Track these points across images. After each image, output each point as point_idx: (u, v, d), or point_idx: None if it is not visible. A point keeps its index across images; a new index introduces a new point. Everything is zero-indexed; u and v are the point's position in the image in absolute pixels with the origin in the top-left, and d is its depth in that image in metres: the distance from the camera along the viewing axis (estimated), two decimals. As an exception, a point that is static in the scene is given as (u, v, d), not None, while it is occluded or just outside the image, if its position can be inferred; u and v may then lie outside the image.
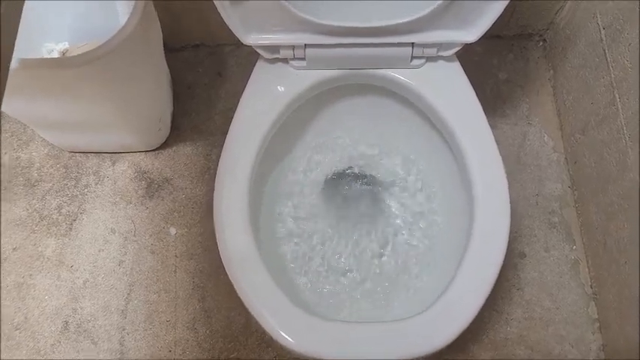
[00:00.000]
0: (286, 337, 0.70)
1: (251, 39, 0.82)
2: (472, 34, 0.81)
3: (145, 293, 1.07)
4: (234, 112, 0.85)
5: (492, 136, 0.82)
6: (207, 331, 1.05)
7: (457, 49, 0.83)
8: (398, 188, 0.99)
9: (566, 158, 1.16)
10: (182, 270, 1.09)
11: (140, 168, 1.17)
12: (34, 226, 1.13)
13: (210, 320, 1.05)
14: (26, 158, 1.18)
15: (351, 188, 1.01)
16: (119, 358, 1.03)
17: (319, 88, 0.88)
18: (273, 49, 0.83)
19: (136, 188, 1.15)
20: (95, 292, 1.08)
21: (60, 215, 1.13)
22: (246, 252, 0.76)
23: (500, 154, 0.81)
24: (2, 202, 1.14)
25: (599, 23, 1.01)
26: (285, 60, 0.85)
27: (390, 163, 1.00)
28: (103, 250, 1.11)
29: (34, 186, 1.16)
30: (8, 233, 1.12)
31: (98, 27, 1.02)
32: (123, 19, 1.01)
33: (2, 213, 1.13)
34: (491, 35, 1.19)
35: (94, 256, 1.10)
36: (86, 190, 1.15)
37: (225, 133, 0.84)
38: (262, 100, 0.85)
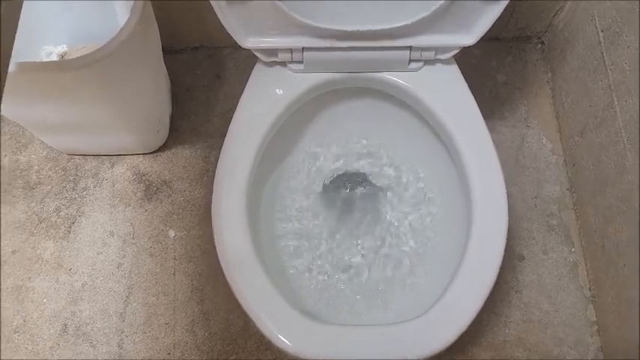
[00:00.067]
0: (284, 340, 0.70)
1: (249, 42, 0.82)
2: (470, 37, 0.81)
3: (143, 296, 1.07)
4: (232, 114, 0.85)
5: (490, 139, 0.82)
6: (206, 334, 1.05)
7: (455, 52, 0.84)
8: (396, 191, 0.99)
9: (564, 161, 1.16)
10: (181, 273, 1.09)
11: (139, 170, 1.17)
12: (32, 229, 1.13)
13: (208, 323, 1.05)
14: (25, 161, 1.18)
15: (350, 191, 1.01)
16: (118, 361, 1.03)
17: (317, 91, 0.88)
18: (271, 52, 0.84)
19: (135, 191, 1.15)
20: (94, 295, 1.07)
21: (59, 218, 1.13)
22: (245, 255, 0.76)
23: (499, 157, 0.81)
24: (1, 205, 1.14)
25: (598, 26, 1.01)
26: (283, 63, 0.86)
27: (388, 165, 1.00)
28: (101, 253, 1.11)
29: (33, 189, 1.16)
30: (7, 236, 1.12)
31: (97, 29, 1.02)
32: (122, 21, 1.01)
33: (2, 215, 1.14)
34: (490, 37, 1.18)
35: (93, 259, 1.10)
36: (85, 192, 1.15)
37: (223, 135, 0.84)
38: (260, 103, 0.85)
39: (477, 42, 0.81)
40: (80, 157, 1.18)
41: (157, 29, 1.00)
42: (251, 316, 0.73)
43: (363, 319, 0.90)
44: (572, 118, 1.13)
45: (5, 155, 1.19)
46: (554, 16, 1.18)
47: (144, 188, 1.15)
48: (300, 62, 0.84)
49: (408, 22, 0.77)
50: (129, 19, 0.85)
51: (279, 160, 0.97)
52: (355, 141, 1.02)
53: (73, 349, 1.04)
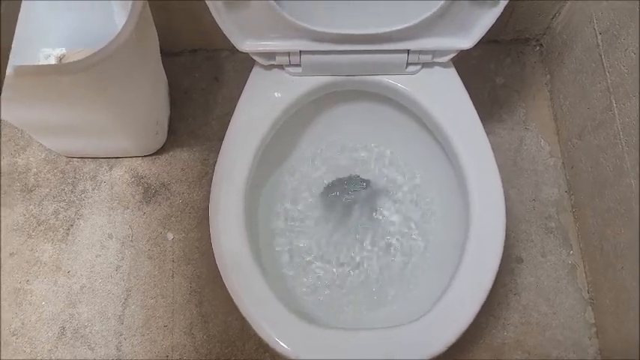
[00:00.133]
0: (282, 344, 0.70)
1: (247, 46, 0.82)
2: (467, 40, 0.81)
3: (142, 298, 1.07)
4: (231, 117, 0.85)
5: (488, 142, 0.82)
6: (205, 336, 1.04)
7: (452, 55, 0.84)
8: (394, 193, 0.99)
9: (563, 163, 1.16)
10: (179, 275, 1.09)
11: (137, 173, 1.17)
12: (31, 232, 1.13)
13: (207, 325, 1.05)
14: (23, 163, 1.18)
15: (348, 193, 1.01)
16: (116, 364, 1.03)
17: (315, 94, 0.88)
18: (269, 55, 0.84)
19: (133, 193, 1.15)
20: (92, 298, 1.07)
21: (57, 220, 1.13)
22: (242, 258, 0.76)
23: (497, 159, 0.82)
24: (0, 208, 1.14)
25: (596, 28, 1.01)
26: (280, 66, 0.86)
27: (386, 168, 1.01)
28: (100, 256, 1.11)
29: (31, 191, 1.16)
30: (5, 238, 1.12)
31: (95, 31, 1.02)
32: (120, 22, 1.01)
33: (1, 218, 1.13)
34: (489, 40, 1.19)
35: (91, 262, 1.10)
36: (83, 195, 1.15)
37: (222, 138, 0.84)
38: (258, 106, 0.86)
39: (476, 44, 0.81)
40: (79, 159, 1.18)
41: (155, 32, 1.00)
42: (249, 320, 0.73)
43: (362, 322, 0.90)
44: (570, 121, 1.13)
45: (3, 157, 1.19)
46: (553, 18, 1.18)
47: (142, 191, 1.15)
48: (298, 65, 0.84)
49: (406, 25, 0.77)
50: (126, 22, 0.85)
51: (277, 163, 0.98)
52: (353, 144, 1.02)
53: (72, 351, 1.04)
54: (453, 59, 0.85)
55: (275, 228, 0.96)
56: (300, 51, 0.82)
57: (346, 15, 0.78)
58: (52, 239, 1.12)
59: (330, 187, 1.01)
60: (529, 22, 1.20)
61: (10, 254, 1.11)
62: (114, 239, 1.12)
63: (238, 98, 0.86)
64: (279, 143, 0.90)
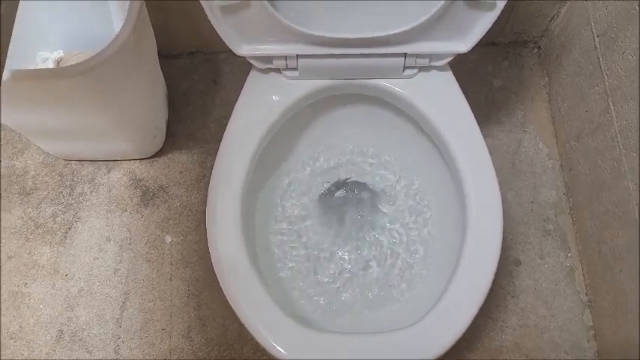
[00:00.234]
0: (279, 349, 0.70)
1: (244, 50, 0.82)
2: (464, 44, 0.81)
3: (140, 302, 1.07)
4: (228, 120, 0.85)
5: (485, 145, 0.82)
6: (203, 340, 1.04)
7: (449, 59, 0.84)
8: (391, 196, 0.99)
9: (561, 165, 1.16)
10: (177, 278, 1.09)
11: (135, 176, 1.17)
12: (28, 235, 1.13)
13: (205, 328, 1.05)
14: (21, 166, 1.18)
15: (346, 196, 1.01)
16: (114, 367, 1.03)
17: (312, 98, 0.88)
18: (266, 59, 0.84)
19: (131, 196, 1.15)
20: (90, 301, 1.07)
21: (55, 223, 1.13)
22: (239, 261, 0.76)
23: (495, 162, 0.82)
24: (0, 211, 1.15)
25: (594, 31, 1.01)
26: (278, 70, 0.86)
27: (383, 171, 1.00)
28: (98, 259, 1.11)
29: (29, 194, 1.16)
30: (3, 241, 1.12)
31: (93, 33, 1.02)
32: (117, 24, 1.01)
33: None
34: (486, 42, 1.19)
35: (89, 265, 1.10)
36: (81, 198, 1.15)
37: (220, 141, 0.84)
38: (256, 110, 0.85)
39: (473, 47, 0.81)
40: (77, 162, 1.18)
41: (153, 35, 1.00)
42: (245, 323, 0.73)
43: (359, 326, 0.90)
44: (568, 123, 1.13)
45: (1, 160, 1.19)
46: (551, 21, 1.18)
47: (140, 194, 1.15)
48: (295, 69, 0.84)
49: (403, 29, 0.77)
50: (124, 25, 0.85)
51: (274, 167, 0.97)
52: (350, 147, 1.02)
53: (69, 355, 1.04)
54: (450, 62, 0.85)
55: (272, 232, 0.96)
56: (297, 55, 0.82)
57: (343, 19, 0.78)
58: (50, 242, 1.12)
59: (327, 191, 1.01)
60: (527, 25, 1.20)
61: (8, 257, 1.11)
62: (112, 242, 1.12)
63: (236, 101, 0.86)
64: (276, 147, 0.90)
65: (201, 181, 1.16)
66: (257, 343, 0.73)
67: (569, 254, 1.10)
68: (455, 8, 0.76)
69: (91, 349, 1.04)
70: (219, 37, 0.80)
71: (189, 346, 1.04)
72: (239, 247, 0.77)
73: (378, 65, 0.83)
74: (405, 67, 0.84)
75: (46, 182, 1.17)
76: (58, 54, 1.08)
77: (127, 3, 0.86)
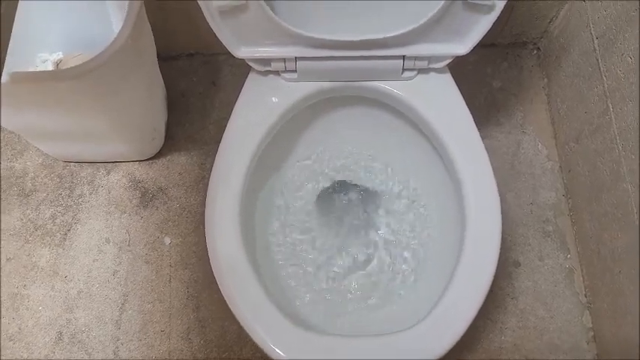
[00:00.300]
0: (277, 351, 0.70)
1: (242, 52, 0.82)
2: (463, 46, 0.81)
3: (139, 303, 1.07)
4: (228, 121, 0.85)
5: (483, 147, 0.82)
6: (202, 341, 1.04)
7: (448, 61, 0.84)
8: (390, 198, 0.99)
9: (560, 167, 1.16)
10: (176, 280, 1.09)
11: (134, 177, 1.17)
12: (28, 236, 1.12)
13: (204, 330, 1.05)
14: (20, 168, 1.18)
15: (345, 198, 1.01)
16: (113, 369, 1.03)
17: (311, 100, 0.88)
18: (265, 61, 0.84)
19: (131, 198, 1.15)
20: (89, 303, 1.07)
21: (54, 225, 1.13)
22: (238, 262, 0.76)
23: (494, 163, 0.82)
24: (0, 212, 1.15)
25: (593, 33, 1.01)
26: (276, 72, 0.86)
27: (382, 173, 1.01)
28: (97, 260, 1.10)
29: (28, 196, 1.16)
30: (2, 243, 1.12)
31: (92, 36, 1.02)
32: (116, 26, 1.01)
33: (-3, 223, 1.14)
34: (486, 44, 1.19)
35: (89, 266, 1.10)
36: (80, 199, 1.15)
37: (219, 142, 0.84)
38: (255, 112, 0.86)
39: (473, 49, 0.81)
40: (76, 164, 1.18)
41: (152, 36, 1.00)
42: (243, 325, 0.73)
43: (359, 328, 0.90)
44: (567, 125, 1.13)
45: (0, 162, 1.19)
46: (550, 22, 1.18)
47: (140, 195, 1.15)
48: (294, 71, 0.84)
49: (401, 31, 0.77)
50: (123, 27, 0.85)
51: (273, 168, 0.97)
52: (349, 149, 1.02)
53: (69, 356, 1.04)
54: (449, 64, 0.85)
55: (272, 233, 0.96)
56: (296, 57, 0.82)
57: (341, 21, 0.78)
58: (50, 244, 1.12)
59: (326, 193, 1.01)
60: (526, 26, 1.20)
61: (8, 259, 1.11)
62: (111, 244, 1.12)
63: (235, 103, 0.86)
64: (275, 148, 0.90)
65: (201, 182, 1.16)
66: (256, 345, 0.73)
67: (569, 256, 1.10)
68: (453, 10, 0.76)
69: (90, 350, 1.04)
70: (218, 38, 0.80)
71: (188, 347, 1.04)
72: (238, 248, 0.77)
73: (377, 67, 0.83)
74: (403, 70, 0.84)
75: (45, 184, 1.17)
76: (58, 56, 1.08)
77: (126, 4, 0.86)
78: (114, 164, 1.18)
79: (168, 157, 1.18)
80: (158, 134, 1.15)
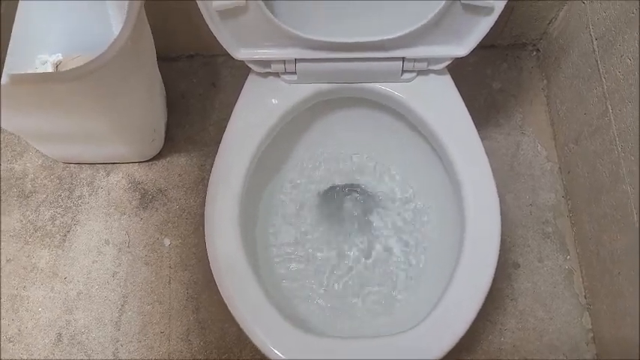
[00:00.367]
0: (277, 353, 0.70)
1: (242, 54, 0.82)
2: (462, 48, 0.81)
3: (138, 305, 1.07)
4: (227, 122, 0.85)
5: (483, 149, 0.82)
6: (201, 343, 1.04)
7: (448, 63, 0.84)
8: (390, 199, 0.99)
9: (559, 168, 1.16)
10: (176, 281, 1.09)
11: (134, 179, 1.17)
12: (27, 238, 1.12)
13: (204, 332, 1.05)
14: (20, 169, 1.18)
15: (345, 200, 1.01)
16: (113, 370, 1.03)
17: (311, 101, 0.88)
18: (265, 63, 0.84)
19: (130, 199, 1.15)
20: (89, 304, 1.07)
21: (54, 226, 1.13)
22: (237, 262, 0.76)
23: (494, 164, 0.82)
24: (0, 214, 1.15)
25: (592, 34, 1.01)
26: (276, 74, 0.86)
27: (382, 174, 1.01)
28: (96, 262, 1.10)
29: (28, 197, 1.16)
30: (2, 245, 1.12)
31: (92, 37, 1.02)
32: (116, 27, 1.01)
33: (-3, 224, 1.14)
34: (485, 45, 1.19)
35: (88, 268, 1.10)
36: (80, 201, 1.15)
37: (219, 143, 0.84)
38: (255, 113, 0.86)
39: (472, 50, 0.81)
40: (75, 165, 1.18)
41: (152, 38, 1.00)
42: (242, 326, 0.73)
43: (358, 329, 0.90)
44: (567, 126, 1.13)
45: (0, 164, 1.19)
46: (549, 23, 1.18)
47: (139, 196, 1.15)
48: (294, 73, 0.84)
49: (401, 33, 0.77)
50: (122, 29, 0.85)
51: (273, 169, 0.98)
52: (349, 151, 1.02)
53: (68, 358, 1.04)
54: (448, 66, 0.85)
55: (271, 234, 0.96)
56: (296, 59, 0.82)
57: (341, 23, 0.78)
58: (49, 245, 1.12)
59: (326, 194, 1.01)
60: (526, 27, 1.20)
61: (7, 260, 1.11)
62: (110, 245, 1.12)
63: (235, 104, 0.86)
64: (275, 150, 0.90)
65: (200, 183, 1.16)
66: (256, 346, 0.73)
67: (568, 257, 1.10)
68: (453, 12, 0.76)
69: (89, 352, 1.04)
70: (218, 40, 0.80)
71: (187, 349, 1.04)
72: (237, 249, 0.77)
73: (377, 69, 0.83)
74: (403, 71, 0.84)
75: (44, 185, 1.17)
76: (57, 57, 1.08)
77: (126, 4, 0.86)
78: (113, 165, 1.18)
79: (168, 158, 1.18)
80: (158, 135, 1.15)
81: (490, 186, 0.80)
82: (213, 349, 1.04)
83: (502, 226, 0.78)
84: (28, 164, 1.19)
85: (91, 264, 1.10)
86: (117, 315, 1.06)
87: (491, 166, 0.81)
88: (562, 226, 1.12)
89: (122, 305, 1.07)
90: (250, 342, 0.72)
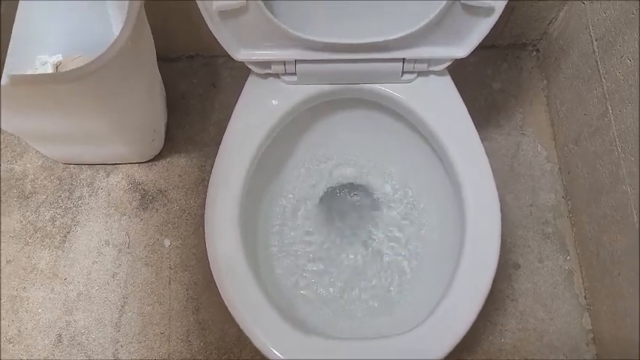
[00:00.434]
0: (277, 354, 0.70)
1: (242, 55, 0.82)
2: (462, 49, 0.81)
3: (138, 305, 1.07)
4: (228, 123, 0.85)
5: (483, 150, 0.82)
6: (201, 344, 1.04)
7: (448, 64, 0.84)
8: (390, 200, 0.99)
9: (559, 168, 1.16)
10: (176, 282, 1.09)
11: (134, 179, 1.17)
12: (27, 239, 1.12)
13: (204, 332, 1.05)
14: (20, 170, 1.18)
15: (346, 201, 1.01)
16: (113, 371, 1.03)
17: (311, 102, 0.88)
18: (265, 64, 0.84)
19: (130, 200, 1.15)
20: (89, 305, 1.07)
21: (54, 227, 1.13)
22: (237, 263, 0.76)
23: (494, 165, 0.82)
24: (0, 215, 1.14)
25: (592, 35, 1.01)
26: (276, 75, 0.86)
27: (382, 175, 1.01)
28: (96, 263, 1.10)
29: (28, 198, 1.16)
30: (2, 245, 1.12)
31: (92, 37, 1.02)
32: (116, 28, 1.01)
33: (-3, 225, 1.14)
34: (486, 45, 1.19)
35: (88, 269, 1.10)
36: (80, 201, 1.15)
37: (219, 144, 0.84)
38: (255, 114, 0.86)
39: (472, 51, 0.81)
40: (75, 166, 1.18)
41: (152, 39, 1.00)
42: (243, 327, 0.73)
43: (359, 331, 0.90)
44: (567, 126, 1.13)
45: (0, 164, 1.19)
46: (549, 24, 1.18)
47: (139, 197, 1.15)
48: (294, 74, 0.84)
49: (401, 34, 0.77)
50: (122, 29, 0.84)
51: (273, 170, 0.97)
52: (349, 152, 1.02)
53: (68, 359, 1.04)
54: (449, 66, 0.85)
55: (272, 235, 0.96)
56: (296, 60, 0.82)
57: (341, 24, 0.78)
58: (49, 246, 1.12)
59: (326, 195, 1.01)
60: (526, 28, 1.20)
61: (7, 261, 1.11)
62: (111, 246, 1.12)
63: (235, 105, 0.86)
64: (275, 150, 0.90)
65: (200, 184, 1.16)
66: (256, 347, 0.73)
67: (568, 257, 1.10)
68: (453, 13, 0.76)
69: (89, 353, 1.04)
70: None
71: (187, 350, 1.04)
72: (237, 250, 0.77)
73: (377, 70, 0.83)
74: (403, 72, 0.84)
75: (44, 186, 1.17)
76: (57, 58, 1.08)
77: (126, 4, 0.86)
78: (113, 166, 1.18)
79: (168, 159, 1.18)
80: (158, 136, 1.15)
81: (490, 186, 0.80)
82: (213, 350, 1.04)
83: (502, 226, 0.78)
84: (28, 165, 1.19)
85: (91, 265, 1.10)
86: (117, 316, 1.06)
87: (491, 166, 0.81)
88: (562, 226, 1.12)
89: (122, 306, 1.07)
90: (250, 343, 0.72)
